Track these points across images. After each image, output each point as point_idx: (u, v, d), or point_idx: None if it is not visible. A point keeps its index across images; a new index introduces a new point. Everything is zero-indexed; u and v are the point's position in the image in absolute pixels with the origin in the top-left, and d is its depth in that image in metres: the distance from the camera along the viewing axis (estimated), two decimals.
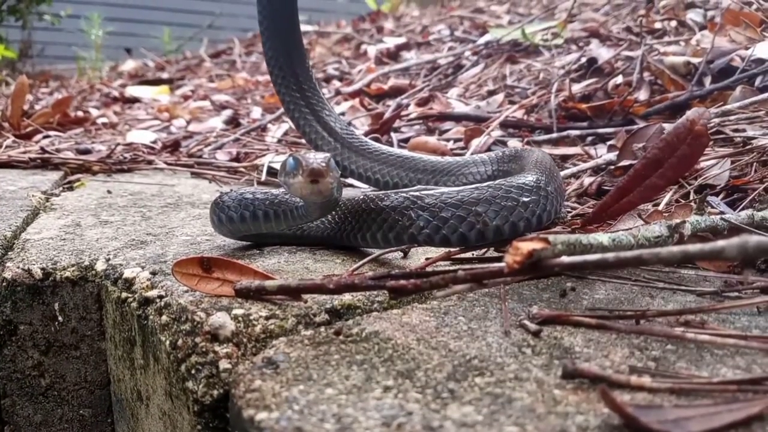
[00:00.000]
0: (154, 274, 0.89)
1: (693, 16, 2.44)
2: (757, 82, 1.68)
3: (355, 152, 1.40)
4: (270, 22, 1.28)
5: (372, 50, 3.60)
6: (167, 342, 0.74)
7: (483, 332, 0.67)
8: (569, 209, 1.11)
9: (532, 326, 0.67)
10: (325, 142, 1.38)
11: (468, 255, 0.91)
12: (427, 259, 0.90)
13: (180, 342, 0.72)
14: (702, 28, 2.30)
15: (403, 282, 0.65)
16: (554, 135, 1.69)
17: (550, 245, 0.54)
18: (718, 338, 0.64)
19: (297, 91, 1.34)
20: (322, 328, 0.71)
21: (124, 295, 0.89)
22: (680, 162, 0.80)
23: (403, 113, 2.24)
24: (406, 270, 0.68)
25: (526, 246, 0.53)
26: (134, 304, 0.85)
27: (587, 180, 1.24)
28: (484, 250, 0.92)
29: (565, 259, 0.55)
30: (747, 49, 1.83)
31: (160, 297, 0.81)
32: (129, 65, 5.36)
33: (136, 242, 1.07)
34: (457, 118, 2.08)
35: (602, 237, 0.63)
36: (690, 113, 0.71)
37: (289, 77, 1.32)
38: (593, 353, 0.62)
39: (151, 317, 0.81)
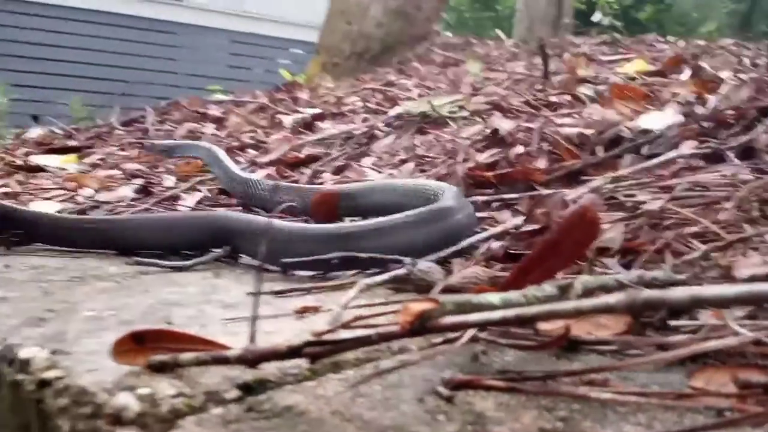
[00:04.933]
0: (53, 353, 0.84)
1: (584, 90, 2.64)
2: (644, 150, 1.83)
3: None
4: None
5: (288, 120, 3.64)
6: (66, 427, 0.70)
7: (397, 400, 0.68)
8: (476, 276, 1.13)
9: (445, 392, 0.68)
10: None
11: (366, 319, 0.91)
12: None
13: (80, 426, 0.69)
14: (593, 101, 2.49)
15: (319, 349, 0.69)
16: None
17: (439, 305, 0.56)
18: (620, 396, 0.67)
19: None
20: (233, 405, 0.69)
21: (20, 377, 0.83)
22: (575, 247, 0.85)
23: (319, 181, 2.26)
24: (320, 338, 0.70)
25: (416, 307, 0.55)
26: (31, 387, 0.80)
27: (495, 244, 1.28)
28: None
29: (456, 318, 0.58)
30: (632, 120, 1.99)
31: (59, 378, 0.77)
32: (35, 133, 5.15)
33: (35, 319, 1.01)
34: None
35: (492, 297, 0.66)
36: (582, 201, 0.77)
37: None
38: (504, 417, 0.64)
39: (48, 400, 0.76)
